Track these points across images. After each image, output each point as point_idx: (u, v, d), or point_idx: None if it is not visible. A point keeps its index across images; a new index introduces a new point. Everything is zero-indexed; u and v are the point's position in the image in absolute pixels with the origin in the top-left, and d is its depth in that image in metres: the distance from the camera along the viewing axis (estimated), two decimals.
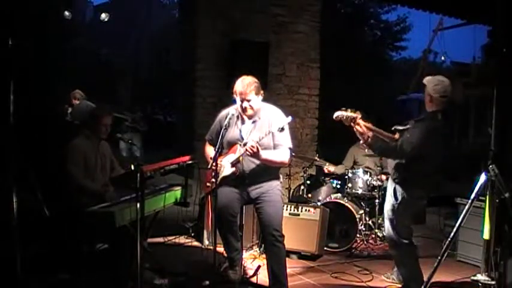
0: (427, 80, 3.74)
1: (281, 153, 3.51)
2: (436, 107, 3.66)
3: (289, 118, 3.39)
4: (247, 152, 3.35)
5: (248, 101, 3.47)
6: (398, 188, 3.70)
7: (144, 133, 8.12)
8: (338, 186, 5.51)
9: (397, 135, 3.73)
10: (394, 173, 3.76)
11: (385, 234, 3.96)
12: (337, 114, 3.64)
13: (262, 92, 3.57)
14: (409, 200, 3.68)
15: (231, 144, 3.56)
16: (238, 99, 3.50)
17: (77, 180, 3.90)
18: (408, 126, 3.70)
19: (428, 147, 3.57)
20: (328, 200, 5.23)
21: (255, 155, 3.36)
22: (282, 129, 3.32)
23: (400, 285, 3.96)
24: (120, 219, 3.26)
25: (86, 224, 3.40)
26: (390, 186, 3.79)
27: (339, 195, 5.32)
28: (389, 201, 3.78)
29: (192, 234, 5.16)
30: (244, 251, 4.25)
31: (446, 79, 3.69)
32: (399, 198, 3.69)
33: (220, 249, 3.89)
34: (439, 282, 3.90)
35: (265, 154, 3.41)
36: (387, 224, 3.83)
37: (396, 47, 20.77)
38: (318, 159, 5.64)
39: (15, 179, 2.65)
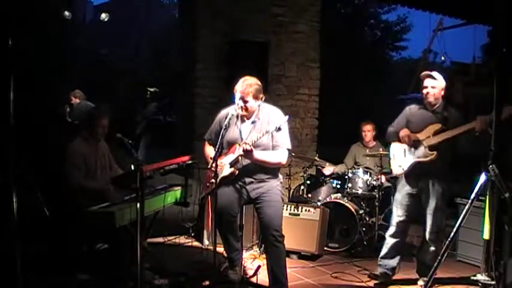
0: (440, 76, 3.89)
1: (277, 154, 3.50)
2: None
3: (286, 117, 3.39)
4: (241, 152, 3.36)
5: (245, 101, 3.48)
6: (445, 186, 3.82)
7: (144, 133, 8.13)
8: (338, 186, 5.51)
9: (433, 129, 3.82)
10: (448, 170, 3.85)
11: (429, 232, 3.92)
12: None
13: (262, 95, 3.57)
14: None
15: (231, 144, 3.56)
16: (237, 96, 3.51)
17: (77, 182, 3.89)
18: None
19: None
20: (328, 200, 5.23)
21: (249, 155, 3.36)
22: (279, 128, 3.32)
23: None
24: (120, 219, 3.26)
25: (86, 224, 3.40)
26: (438, 185, 3.82)
27: (339, 195, 5.32)
28: (438, 200, 3.83)
29: (192, 234, 5.16)
30: (244, 251, 4.25)
31: None
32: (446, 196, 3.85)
33: (220, 249, 3.89)
34: (439, 282, 3.91)
35: (259, 155, 3.41)
36: (436, 222, 3.88)
37: (396, 47, 20.79)
38: (318, 159, 5.65)
39: (15, 179, 2.64)
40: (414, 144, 3.91)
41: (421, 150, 3.87)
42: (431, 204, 3.86)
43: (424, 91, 3.90)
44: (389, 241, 4.06)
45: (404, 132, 3.94)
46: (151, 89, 7.94)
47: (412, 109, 4.08)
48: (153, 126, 7.83)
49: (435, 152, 3.77)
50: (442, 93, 3.89)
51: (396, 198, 4.08)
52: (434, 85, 3.86)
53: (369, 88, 16.79)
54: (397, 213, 4.03)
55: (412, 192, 3.94)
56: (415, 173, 3.93)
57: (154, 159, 3.56)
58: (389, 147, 4.23)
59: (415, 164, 3.90)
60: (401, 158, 4.03)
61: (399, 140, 3.99)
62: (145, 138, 7.20)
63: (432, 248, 3.91)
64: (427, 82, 3.89)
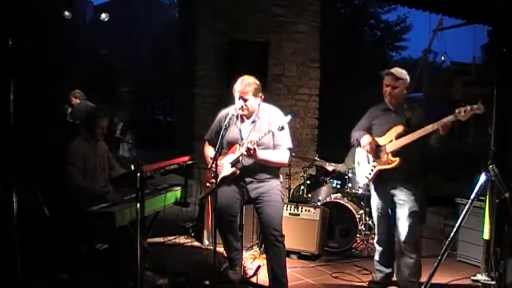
0: (403, 73, 3.65)
1: (280, 153, 3.51)
2: None
3: (289, 117, 3.38)
4: (244, 153, 3.35)
5: (245, 100, 3.48)
6: (417, 190, 3.61)
7: (143, 132, 8.10)
8: (338, 186, 5.51)
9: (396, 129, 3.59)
10: (417, 176, 3.62)
11: (404, 242, 3.67)
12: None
13: (261, 94, 3.56)
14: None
15: (231, 144, 3.56)
16: (236, 97, 3.51)
17: (76, 182, 3.90)
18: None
19: None
20: (328, 200, 5.22)
21: (252, 155, 3.36)
22: (282, 128, 3.32)
23: None
24: (120, 219, 3.26)
25: (86, 224, 3.40)
26: (408, 190, 3.59)
27: (339, 195, 5.32)
28: (410, 205, 3.59)
29: (192, 234, 5.16)
30: (244, 251, 4.26)
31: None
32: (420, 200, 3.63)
33: (220, 249, 3.89)
34: (439, 282, 3.91)
35: (262, 155, 3.40)
36: (410, 231, 3.62)
37: (396, 47, 20.74)
38: (318, 159, 5.64)
39: (15, 179, 2.65)
40: (376, 151, 3.68)
41: (383, 157, 3.63)
42: (403, 211, 3.63)
43: (384, 89, 3.68)
44: (378, 248, 4.00)
45: (366, 140, 3.68)
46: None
47: (376, 110, 3.85)
48: (134, 126, 7.69)
49: (397, 159, 3.54)
50: (405, 92, 3.66)
51: (372, 206, 3.99)
52: (396, 85, 3.61)
53: (369, 88, 16.78)
54: (378, 222, 3.94)
55: (384, 200, 3.81)
56: (381, 181, 3.75)
57: (150, 160, 3.54)
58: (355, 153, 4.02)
59: (378, 172, 3.70)
60: (365, 165, 3.82)
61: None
62: (127, 139, 7.13)
63: (410, 260, 3.67)
64: (388, 81, 3.63)
